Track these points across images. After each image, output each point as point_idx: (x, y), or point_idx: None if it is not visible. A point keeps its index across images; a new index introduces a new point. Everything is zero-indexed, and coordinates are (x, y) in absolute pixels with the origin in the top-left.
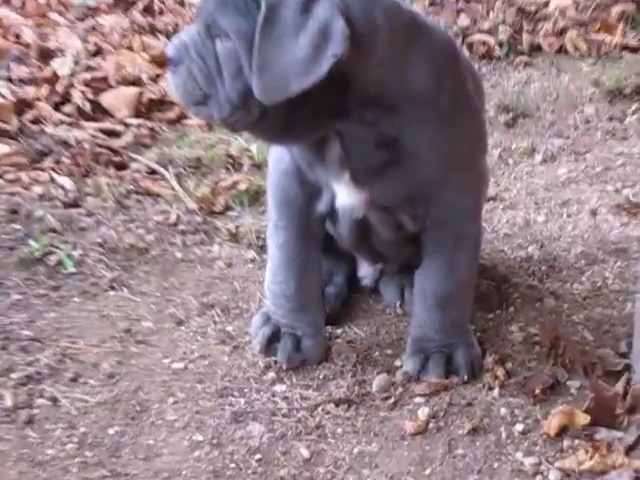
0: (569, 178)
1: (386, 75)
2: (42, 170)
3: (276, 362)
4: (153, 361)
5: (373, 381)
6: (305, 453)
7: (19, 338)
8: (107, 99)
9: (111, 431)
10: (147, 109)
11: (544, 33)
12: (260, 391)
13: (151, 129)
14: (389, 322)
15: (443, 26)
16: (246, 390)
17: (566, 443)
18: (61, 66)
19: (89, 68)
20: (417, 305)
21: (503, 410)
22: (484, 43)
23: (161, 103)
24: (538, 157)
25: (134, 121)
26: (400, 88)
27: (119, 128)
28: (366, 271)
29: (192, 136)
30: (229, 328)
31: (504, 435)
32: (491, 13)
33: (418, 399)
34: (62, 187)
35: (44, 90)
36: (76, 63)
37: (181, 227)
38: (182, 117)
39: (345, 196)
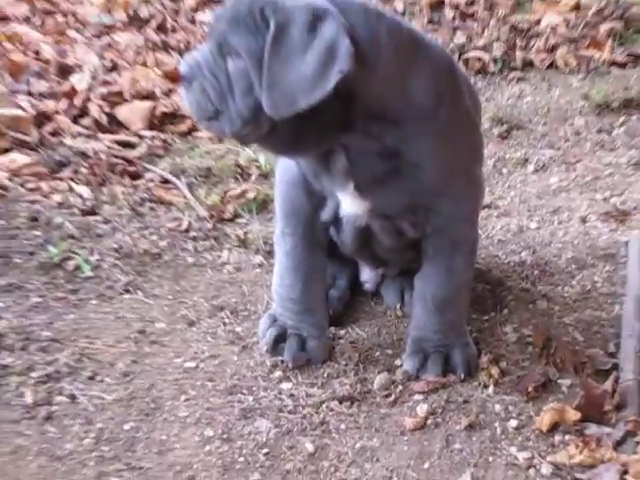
0: (560, 187)
1: (389, 91)
2: (61, 180)
3: (282, 361)
4: (166, 360)
5: (374, 379)
6: (310, 448)
7: (39, 339)
8: (122, 112)
9: (126, 427)
10: (160, 122)
11: (536, 50)
12: (267, 389)
13: (164, 141)
14: (390, 323)
15: (441, 43)
16: (254, 388)
17: (557, 438)
18: (79, 81)
19: (105, 83)
20: (416, 307)
21: (498, 407)
22: (479, 59)
23: (173, 116)
24: (530, 167)
25: (148, 133)
26: (403, 103)
27: (134, 140)
28: (368, 276)
29: (203, 147)
30: (238, 329)
31: (499, 431)
32: (486, 31)
33: (417, 396)
34: (80, 196)
35: (63, 104)
36: (93, 78)
37: (192, 233)
38: (193, 129)
39: (349, 205)
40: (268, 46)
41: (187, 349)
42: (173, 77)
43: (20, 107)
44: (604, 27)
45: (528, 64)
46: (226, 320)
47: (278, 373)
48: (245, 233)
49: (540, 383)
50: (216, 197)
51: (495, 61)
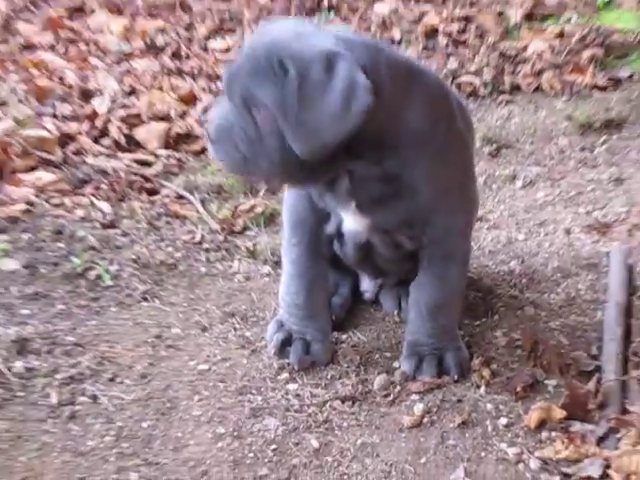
0: (546, 201)
1: (389, 119)
2: (83, 195)
3: (289, 364)
4: (181, 363)
5: (374, 380)
6: (315, 444)
7: (63, 343)
8: (140, 133)
9: (144, 425)
10: (175, 142)
11: (523, 74)
12: (275, 389)
13: (178, 159)
14: (388, 328)
15: (435, 69)
16: (263, 389)
17: (545, 435)
18: (100, 104)
19: (124, 106)
20: (411, 313)
21: (489, 406)
22: (471, 83)
23: (187, 136)
24: (519, 183)
25: (164, 152)
26: (401, 129)
27: (151, 159)
28: (368, 285)
29: (214, 165)
30: (247, 334)
31: (490, 428)
32: (477, 57)
33: (414, 396)
34: (101, 210)
35: (85, 125)
36: (113, 101)
37: (205, 245)
38: (206, 149)
39: (351, 222)
40: (292, 93)
41: (200, 353)
42: (187, 100)
43: (45, 128)
44: (586, 53)
45: (516, 88)
46: (236, 326)
47: (285, 375)
48: (254, 245)
49: (528, 384)
50: (227, 212)
51: (485, 85)
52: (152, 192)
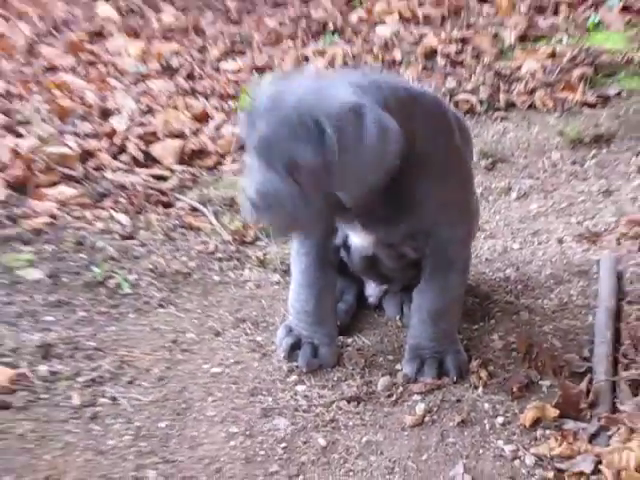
0: (539, 212)
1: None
2: (103, 209)
3: (297, 366)
4: (195, 366)
5: (378, 382)
6: (322, 442)
7: (84, 348)
8: (156, 150)
9: (161, 425)
10: (189, 157)
11: (517, 92)
12: (285, 390)
13: (192, 174)
14: (391, 333)
15: (434, 87)
16: (273, 390)
17: (539, 433)
18: (118, 122)
19: (141, 124)
20: (414, 318)
21: (486, 405)
22: (467, 101)
23: (201, 152)
24: (513, 195)
25: (178, 167)
26: (408, 153)
27: (166, 173)
28: (372, 291)
29: (227, 179)
30: (258, 338)
31: (488, 426)
32: (473, 76)
33: (416, 397)
34: (120, 223)
35: (104, 142)
36: (131, 120)
37: (218, 255)
38: (218, 164)
39: (357, 238)
40: (332, 150)
41: (214, 356)
42: (200, 118)
43: (67, 146)
44: (576, 72)
45: (510, 105)
46: (248, 331)
47: (294, 377)
48: (264, 254)
49: (523, 384)
50: (238, 223)
51: (481, 102)
52: (168, 205)
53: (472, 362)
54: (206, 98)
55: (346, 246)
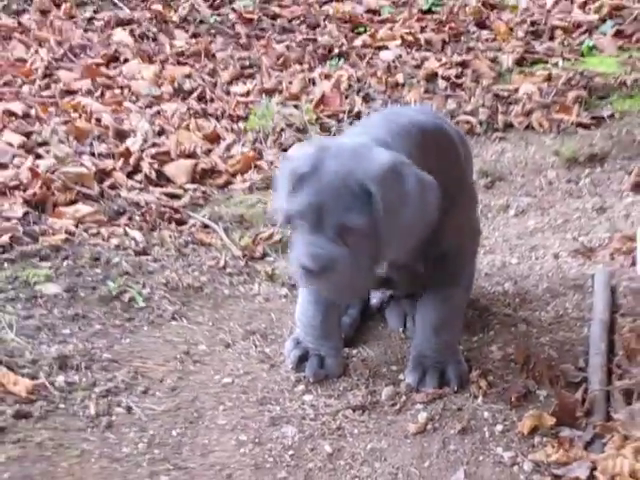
0: (536, 228)
1: None
2: (118, 226)
3: (305, 377)
4: (207, 377)
5: (382, 391)
6: (328, 449)
7: (100, 359)
8: (169, 169)
9: (174, 433)
10: (201, 177)
11: (515, 114)
12: (292, 400)
13: (204, 192)
14: (394, 344)
15: (435, 109)
16: (281, 399)
17: (537, 440)
18: (133, 143)
19: (155, 145)
20: (418, 330)
21: (486, 414)
22: (467, 122)
23: (212, 172)
24: (511, 212)
25: (191, 186)
26: None
27: (179, 192)
28: (375, 293)
29: (237, 198)
30: (267, 350)
31: (487, 434)
32: (472, 98)
33: (418, 405)
34: (134, 239)
35: (119, 162)
36: (145, 141)
37: (228, 270)
38: (229, 182)
39: None
40: (379, 211)
41: (225, 367)
42: (211, 139)
43: (84, 165)
44: (571, 95)
45: (508, 126)
46: (257, 342)
47: (301, 387)
48: (273, 269)
49: (522, 394)
50: (248, 239)
51: (481, 124)
52: (180, 222)
53: (472, 372)
54: (217, 119)
55: None
